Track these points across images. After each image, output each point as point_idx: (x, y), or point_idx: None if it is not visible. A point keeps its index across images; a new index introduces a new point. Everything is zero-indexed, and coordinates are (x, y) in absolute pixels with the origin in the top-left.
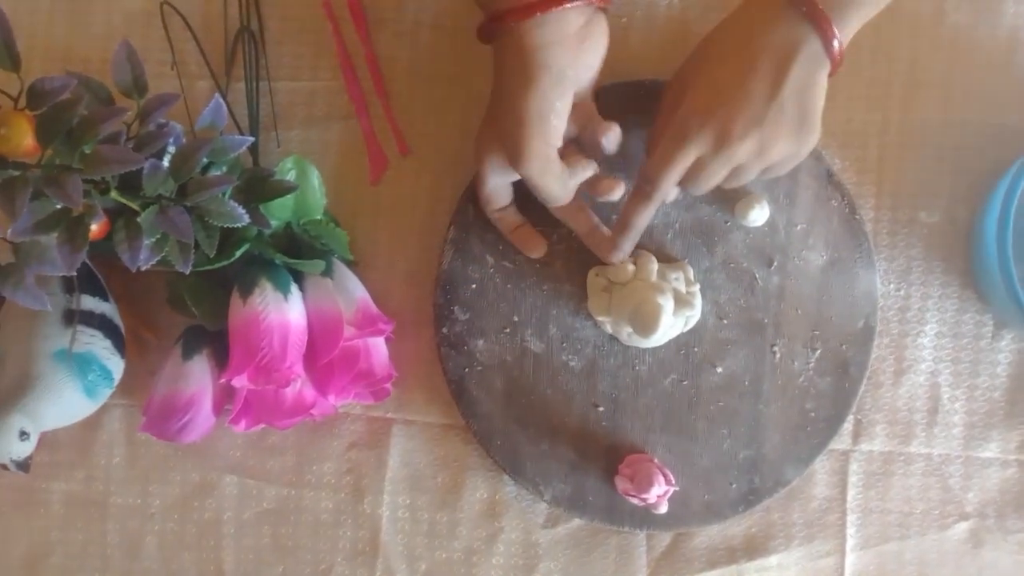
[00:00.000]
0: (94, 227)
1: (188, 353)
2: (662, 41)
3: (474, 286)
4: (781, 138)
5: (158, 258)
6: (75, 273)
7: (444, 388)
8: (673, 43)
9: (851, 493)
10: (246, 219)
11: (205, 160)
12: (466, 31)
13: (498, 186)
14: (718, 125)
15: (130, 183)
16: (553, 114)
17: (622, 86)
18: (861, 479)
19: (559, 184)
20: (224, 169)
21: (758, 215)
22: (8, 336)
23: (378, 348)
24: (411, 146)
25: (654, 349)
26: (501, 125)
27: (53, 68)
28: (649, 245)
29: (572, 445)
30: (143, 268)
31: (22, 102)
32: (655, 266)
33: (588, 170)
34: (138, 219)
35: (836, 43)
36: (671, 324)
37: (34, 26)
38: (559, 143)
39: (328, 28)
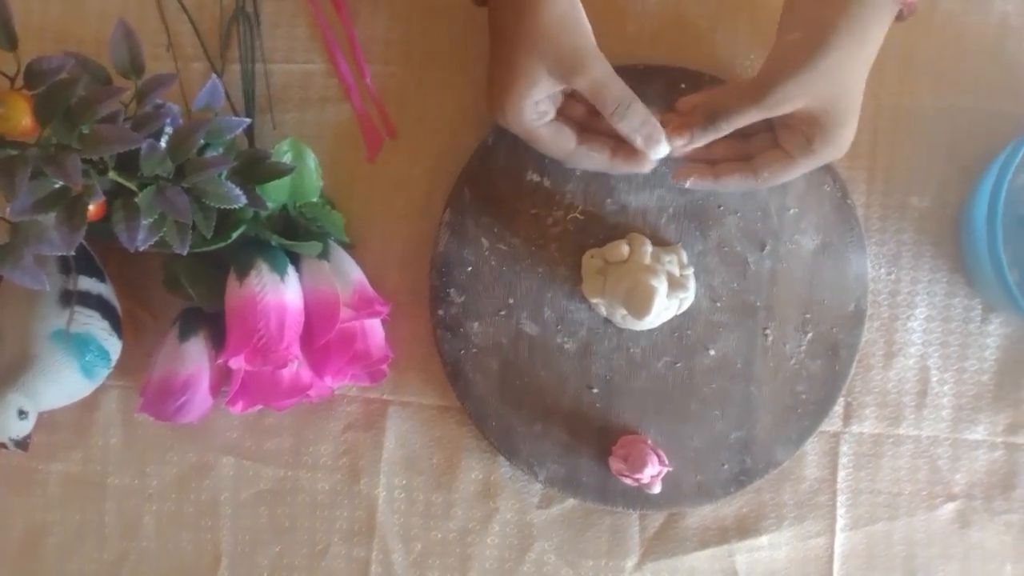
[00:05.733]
0: (91, 208)
1: (185, 334)
2: (656, 26)
3: (469, 268)
4: None
5: (155, 238)
6: (73, 253)
7: (440, 370)
8: (667, 28)
9: (841, 474)
10: (243, 200)
11: (201, 142)
12: (461, 13)
13: (545, 100)
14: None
15: (128, 164)
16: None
17: (616, 71)
18: (851, 460)
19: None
20: (220, 150)
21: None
22: (6, 316)
23: (374, 330)
24: (407, 129)
25: (648, 332)
26: (544, 29)
27: (49, 49)
28: (643, 228)
29: (566, 426)
30: (141, 249)
31: (19, 82)
32: (649, 249)
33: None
34: (136, 199)
35: None
36: (664, 306)
37: (30, 6)
38: None
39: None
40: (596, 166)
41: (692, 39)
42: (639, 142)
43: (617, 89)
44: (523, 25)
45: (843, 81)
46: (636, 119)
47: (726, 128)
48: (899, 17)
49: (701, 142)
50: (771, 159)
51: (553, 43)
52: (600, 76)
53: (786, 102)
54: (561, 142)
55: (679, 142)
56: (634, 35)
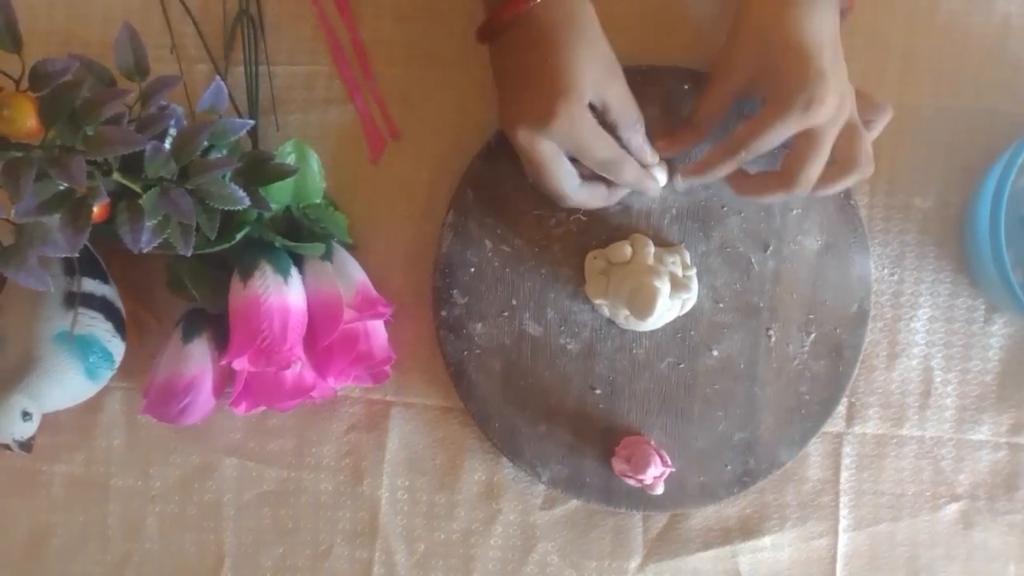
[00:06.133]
0: (95, 209)
1: (188, 336)
2: (659, 27)
3: (473, 270)
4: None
5: (159, 240)
6: (77, 255)
7: (443, 371)
8: (669, 29)
9: (844, 475)
10: (247, 202)
11: (205, 143)
12: (464, 14)
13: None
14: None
15: (132, 165)
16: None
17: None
18: (854, 461)
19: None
20: (224, 152)
21: (659, 177)
22: (10, 318)
23: (377, 331)
24: (410, 130)
25: (651, 332)
26: (599, 34)
27: (53, 52)
28: (646, 229)
29: (569, 427)
30: (145, 250)
31: (24, 84)
32: (652, 249)
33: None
34: (140, 201)
35: None
36: (667, 307)
37: (34, 10)
38: None
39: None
40: (633, 176)
41: (694, 39)
42: (648, 156)
43: (633, 100)
44: (580, 29)
45: (777, 35)
46: (642, 132)
47: (702, 119)
48: (843, 15)
49: (687, 140)
50: (747, 125)
51: (605, 48)
52: (626, 86)
53: (733, 68)
54: (611, 142)
55: (661, 143)
56: (637, 36)
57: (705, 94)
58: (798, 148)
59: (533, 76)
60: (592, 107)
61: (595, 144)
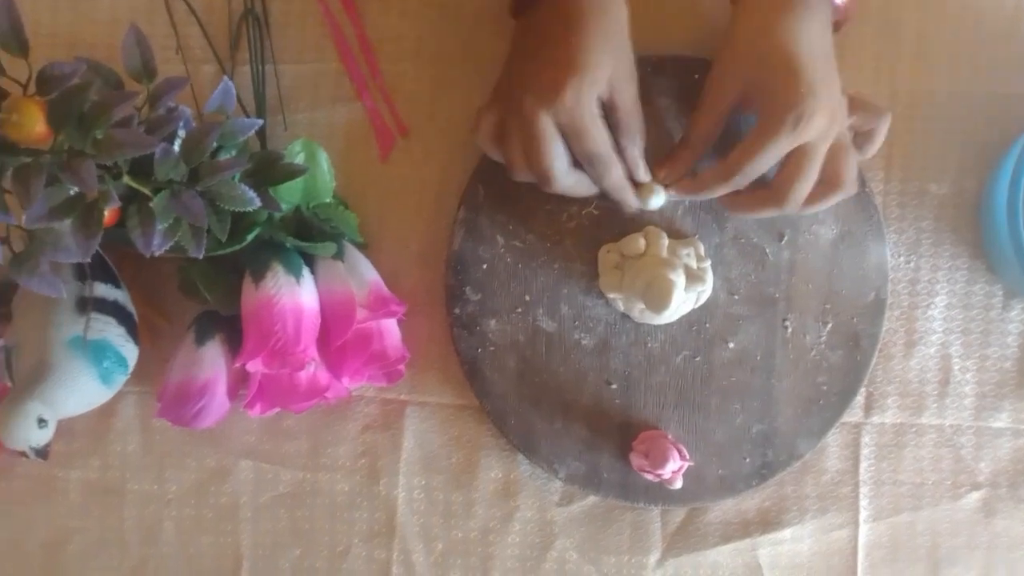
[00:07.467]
0: (106, 214)
1: (201, 339)
2: (669, 16)
3: (485, 266)
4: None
5: (171, 243)
6: (89, 260)
7: (457, 369)
8: (679, 18)
9: (863, 465)
10: (257, 203)
11: (215, 144)
12: (472, 9)
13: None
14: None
15: (142, 169)
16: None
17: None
18: (873, 451)
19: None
20: (233, 153)
21: (655, 201)
22: (23, 324)
23: (391, 330)
24: (419, 127)
25: (666, 326)
26: (623, 31)
27: (59, 55)
28: (660, 222)
29: (586, 423)
30: (156, 253)
31: (31, 88)
32: (666, 242)
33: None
34: (151, 204)
35: None
36: (683, 300)
37: (38, 13)
38: None
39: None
40: (616, 181)
41: (705, 29)
42: (640, 172)
43: (640, 112)
44: (610, 22)
45: (768, 48)
46: (641, 146)
47: (698, 138)
48: (836, 27)
49: (684, 162)
50: (739, 148)
51: (628, 51)
52: (637, 95)
53: (725, 83)
54: (606, 138)
55: (661, 171)
56: (647, 25)
57: (698, 112)
58: (789, 165)
59: (552, 49)
60: (601, 103)
61: (592, 132)
